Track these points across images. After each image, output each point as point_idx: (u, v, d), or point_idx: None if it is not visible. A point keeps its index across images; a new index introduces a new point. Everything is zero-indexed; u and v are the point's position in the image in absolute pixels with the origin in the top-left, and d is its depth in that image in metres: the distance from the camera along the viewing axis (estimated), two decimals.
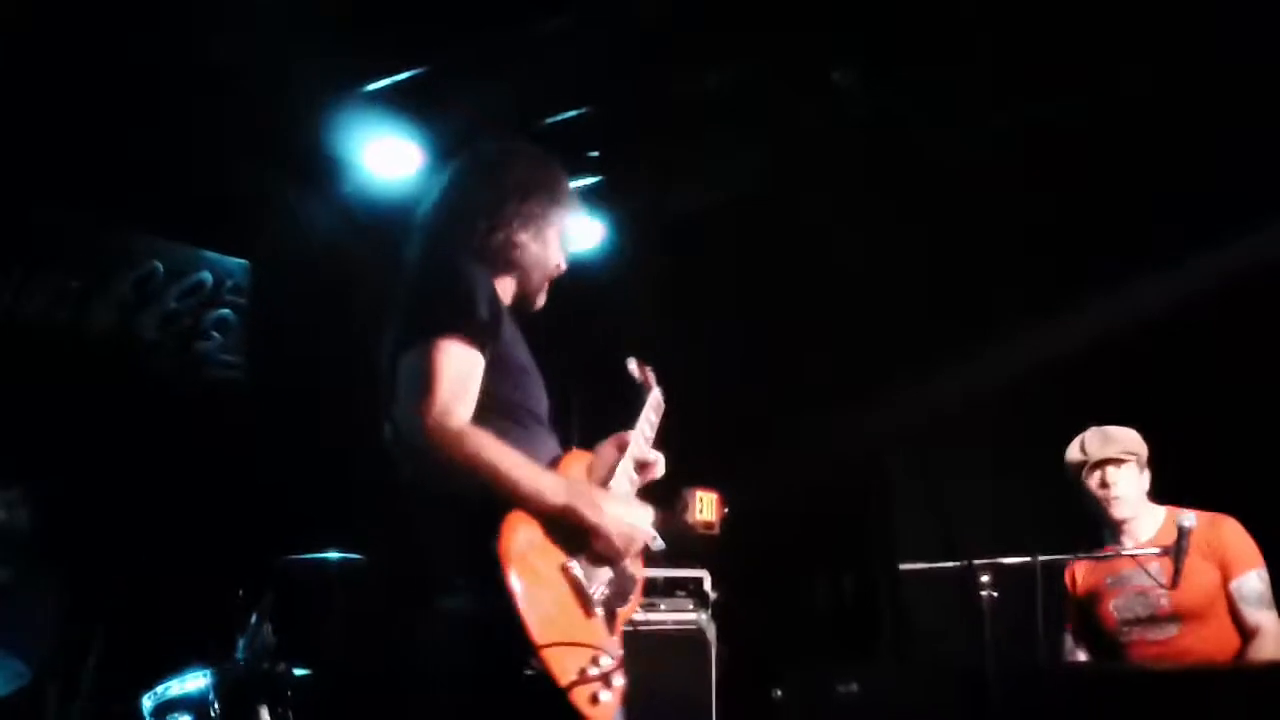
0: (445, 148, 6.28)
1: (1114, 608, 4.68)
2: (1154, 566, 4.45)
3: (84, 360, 6.52)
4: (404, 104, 6.35)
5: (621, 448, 3.33)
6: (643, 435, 3.44)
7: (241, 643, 5.34)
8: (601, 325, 7.09)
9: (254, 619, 5.36)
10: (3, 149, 5.88)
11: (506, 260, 3.22)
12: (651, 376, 3.68)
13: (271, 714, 5.16)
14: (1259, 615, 4.49)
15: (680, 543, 6.41)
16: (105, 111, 6.01)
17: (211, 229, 7.06)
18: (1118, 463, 4.72)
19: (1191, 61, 5.71)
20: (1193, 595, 4.50)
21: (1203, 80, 5.74)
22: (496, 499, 2.76)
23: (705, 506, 6.81)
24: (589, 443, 3.38)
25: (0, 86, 5.68)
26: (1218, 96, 5.77)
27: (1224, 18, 5.44)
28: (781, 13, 5.76)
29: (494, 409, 2.93)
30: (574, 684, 2.73)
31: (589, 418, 6.69)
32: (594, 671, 2.79)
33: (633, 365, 3.69)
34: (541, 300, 3.36)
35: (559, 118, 6.43)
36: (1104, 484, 4.71)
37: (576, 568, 2.87)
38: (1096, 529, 4.82)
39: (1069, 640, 4.83)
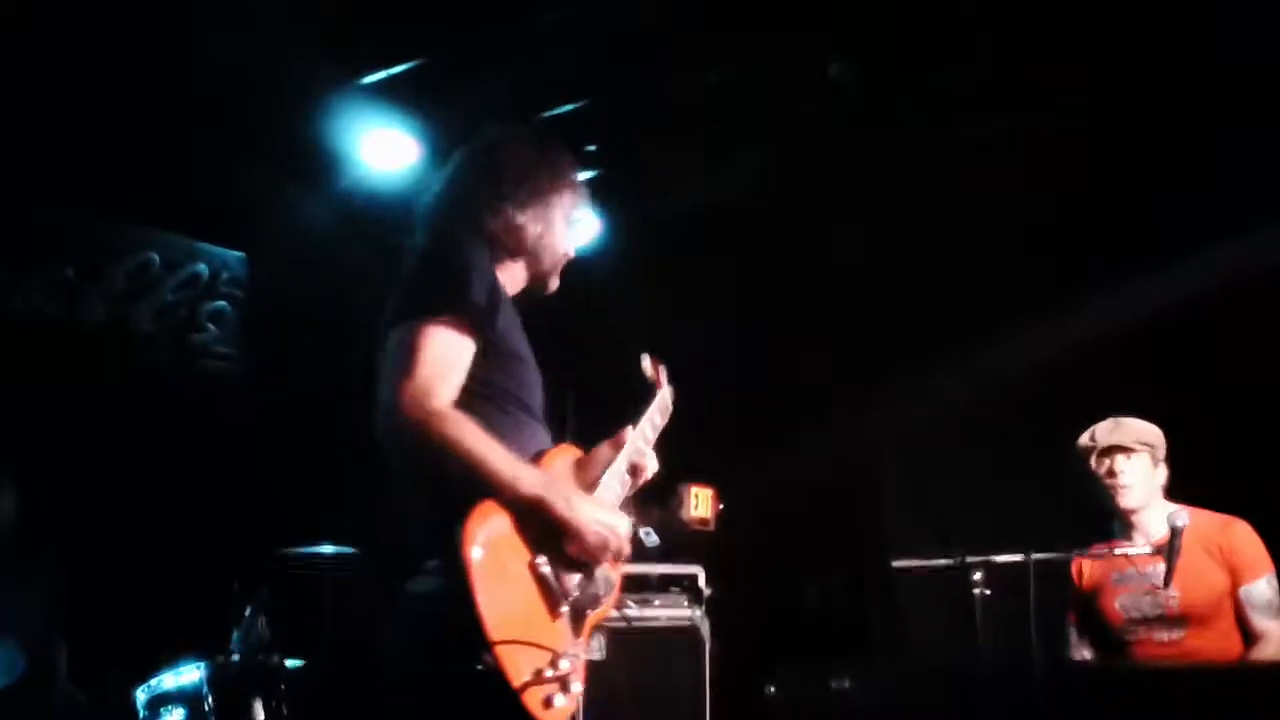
0: (442, 141, 6.28)
1: (1120, 605, 4.64)
2: (1161, 566, 4.42)
3: (79, 352, 6.51)
4: (401, 97, 6.34)
5: (618, 447, 3.28)
6: (643, 435, 3.38)
7: (235, 636, 5.33)
8: (598, 323, 7.08)
9: (248, 612, 5.34)
10: None
11: (512, 245, 3.19)
12: (664, 375, 3.62)
13: (265, 707, 5.14)
14: (1266, 623, 4.47)
15: (675, 539, 6.44)
16: (101, 104, 6.00)
17: (208, 221, 7.05)
18: (1128, 452, 4.67)
19: (1191, 61, 5.69)
20: (1202, 597, 4.48)
21: (1203, 80, 5.73)
22: (471, 485, 2.70)
23: (700, 503, 6.83)
24: (584, 440, 3.32)
25: None
26: (1218, 96, 5.75)
27: (1224, 18, 5.42)
28: (781, 12, 5.75)
29: (482, 395, 2.89)
30: (527, 685, 2.64)
31: (585, 415, 6.68)
32: (550, 674, 2.69)
33: (646, 362, 3.62)
34: (555, 284, 3.34)
35: (557, 111, 6.42)
36: (1111, 472, 4.68)
37: (545, 565, 2.79)
38: (1106, 520, 4.78)
39: (1073, 633, 4.80)
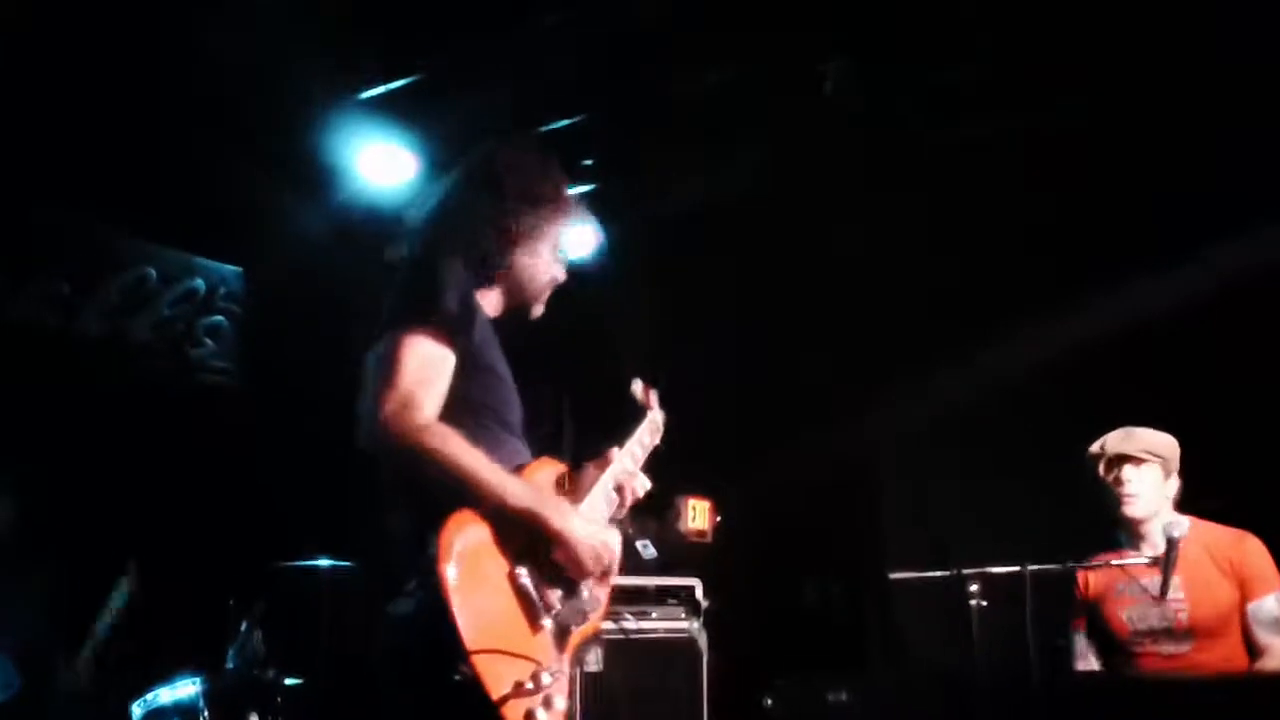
0: (440, 155, 6.28)
1: (1127, 617, 4.60)
2: (1173, 579, 4.40)
3: (76, 366, 6.49)
4: (399, 111, 6.33)
5: (603, 467, 3.23)
6: (630, 455, 3.34)
7: (232, 650, 5.34)
8: (596, 330, 7.06)
9: (244, 626, 5.36)
10: None
11: (494, 271, 3.17)
12: (655, 399, 3.58)
13: None
14: (1271, 639, 4.42)
15: (672, 551, 6.44)
16: (100, 117, 5.99)
17: (205, 235, 7.03)
18: (1136, 461, 4.63)
19: (1191, 61, 5.66)
20: (1210, 611, 4.45)
21: (1203, 80, 5.69)
22: (455, 497, 2.67)
23: (698, 515, 6.85)
24: (580, 447, 3.33)
25: None
26: (1218, 96, 5.72)
27: (1224, 18, 5.39)
28: (781, 12, 5.73)
29: (459, 409, 2.85)
30: (507, 697, 2.59)
31: (582, 428, 6.68)
32: (531, 686, 2.64)
33: (637, 386, 3.58)
34: (539, 310, 3.32)
35: (554, 125, 6.39)
36: (1119, 481, 4.63)
37: (526, 577, 2.75)
38: (1114, 528, 4.74)
39: (1080, 641, 4.75)
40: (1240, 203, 5.73)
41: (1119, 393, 5.00)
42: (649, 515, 6.46)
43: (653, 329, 7.27)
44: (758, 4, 5.76)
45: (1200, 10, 5.42)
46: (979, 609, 4.06)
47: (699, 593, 6.29)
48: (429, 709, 2.67)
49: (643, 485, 3.32)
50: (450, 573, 2.57)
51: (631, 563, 6.10)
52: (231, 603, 5.46)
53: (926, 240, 6.81)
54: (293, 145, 6.45)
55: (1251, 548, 4.52)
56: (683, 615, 6.19)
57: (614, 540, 2.94)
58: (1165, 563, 4.14)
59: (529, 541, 2.78)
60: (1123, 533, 4.72)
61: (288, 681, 5.36)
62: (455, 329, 2.88)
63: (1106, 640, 4.68)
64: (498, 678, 2.59)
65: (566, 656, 2.88)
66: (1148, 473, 4.63)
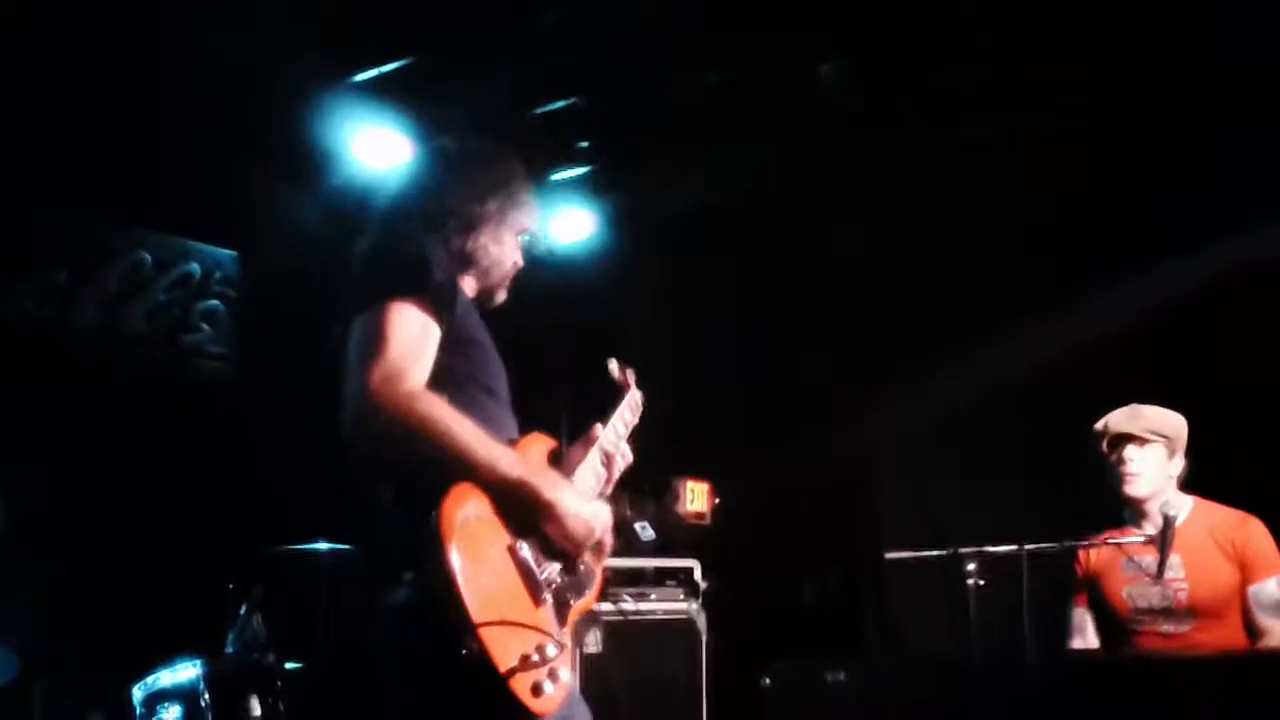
0: (434, 139, 6.28)
1: (1128, 594, 4.60)
2: (1174, 559, 4.40)
3: (73, 355, 6.52)
4: (393, 95, 6.34)
5: (590, 444, 3.25)
6: (614, 431, 3.35)
7: (231, 633, 5.35)
8: (596, 320, 7.07)
9: (244, 610, 5.37)
10: None
11: (464, 258, 3.17)
12: (632, 378, 3.58)
13: (261, 704, 5.14)
14: (1271, 621, 4.43)
15: (671, 533, 6.45)
16: (93, 105, 6.02)
17: (200, 220, 7.05)
18: (1140, 441, 4.62)
19: (1191, 61, 5.69)
20: (1211, 592, 4.45)
21: (1203, 80, 5.72)
22: (445, 470, 2.64)
23: (696, 497, 6.85)
24: (578, 438, 3.31)
25: None
26: (1218, 96, 5.75)
27: (1224, 18, 5.42)
28: (781, 12, 5.76)
29: (444, 382, 2.82)
30: (514, 670, 2.55)
31: (580, 414, 6.67)
32: (537, 659, 2.61)
33: (614, 366, 3.58)
34: (502, 296, 3.32)
35: (552, 106, 6.42)
36: (1121, 460, 4.63)
37: (525, 550, 2.73)
38: (1118, 507, 4.74)
39: (1076, 615, 4.76)
40: (1240, 203, 5.75)
41: (1119, 393, 4.99)
42: (647, 497, 6.48)
43: (651, 316, 7.28)
44: (757, 4, 5.78)
45: (1200, 10, 5.45)
46: (976, 588, 4.06)
47: (698, 574, 6.34)
48: (436, 683, 2.64)
49: (627, 456, 3.34)
50: (453, 546, 2.54)
51: (630, 544, 6.12)
52: (231, 587, 5.48)
53: (926, 240, 6.83)
54: (287, 129, 6.46)
55: (1255, 530, 4.52)
56: (681, 596, 6.25)
57: (605, 513, 2.93)
58: (1161, 542, 4.14)
59: (526, 514, 2.76)
60: (1127, 510, 4.72)
61: (288, 665, 5.38)
62: (440, 301, 2.87)
63: (1107, 617, 4.68)
64: (505, 650, 2.56)
65: (568, 631, 2.87)
66: (1150, 453, 4.62)
